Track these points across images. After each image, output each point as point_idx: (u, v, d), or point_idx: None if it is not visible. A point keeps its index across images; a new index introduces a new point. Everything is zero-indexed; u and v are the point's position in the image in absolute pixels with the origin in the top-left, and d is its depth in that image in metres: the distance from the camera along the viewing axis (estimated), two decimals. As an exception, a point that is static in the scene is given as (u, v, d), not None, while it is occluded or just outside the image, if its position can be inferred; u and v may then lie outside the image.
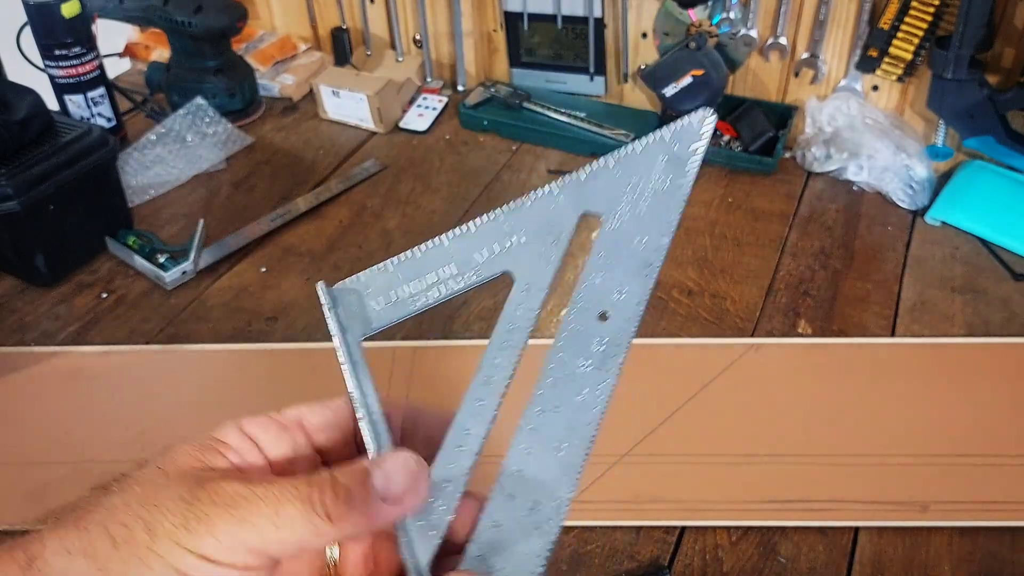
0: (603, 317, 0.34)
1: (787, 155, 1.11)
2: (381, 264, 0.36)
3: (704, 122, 0.33)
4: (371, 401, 0.35)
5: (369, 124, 1.21)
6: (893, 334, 0.86)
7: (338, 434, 0.35)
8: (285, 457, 0.34)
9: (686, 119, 0.34)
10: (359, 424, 0.34)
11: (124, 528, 0.28)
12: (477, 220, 0.36)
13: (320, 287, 0.36)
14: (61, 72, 1.08)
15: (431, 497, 0.33)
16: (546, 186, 0.35)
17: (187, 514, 0.28)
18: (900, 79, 1.05)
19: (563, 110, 1.16)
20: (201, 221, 0.98)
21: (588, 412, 0.34)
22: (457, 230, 0.36)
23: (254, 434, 0.33)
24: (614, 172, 0.35)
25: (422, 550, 0.33)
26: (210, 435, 0.33)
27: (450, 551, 0.33)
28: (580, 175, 0.35)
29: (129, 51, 1.37)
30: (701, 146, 0.34)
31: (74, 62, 1.08)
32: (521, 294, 0.35)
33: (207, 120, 1.17)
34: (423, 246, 0.36)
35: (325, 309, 0.36)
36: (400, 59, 1.27)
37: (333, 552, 0.34)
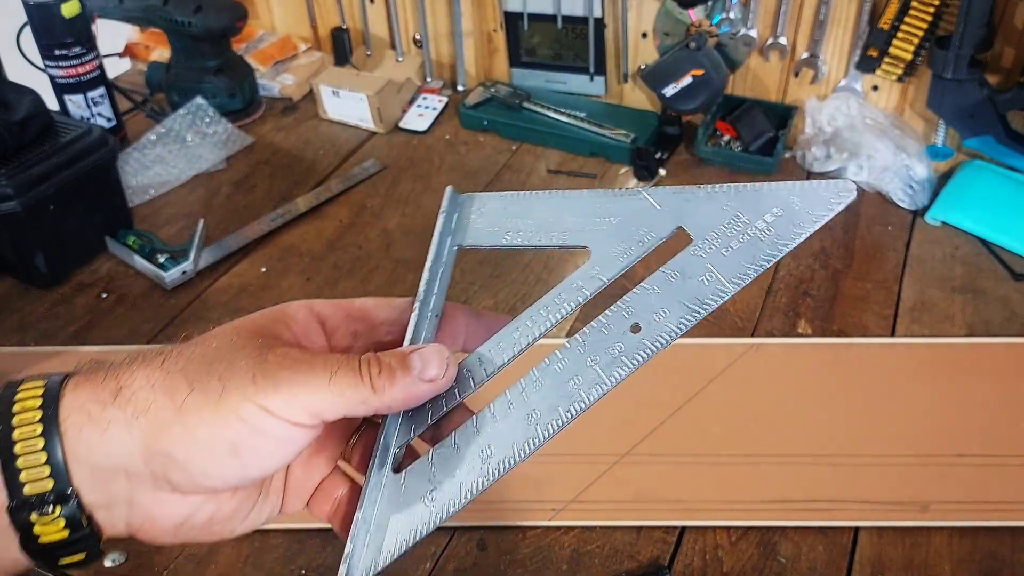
0: (634, 329, 0.35)
1: (787, 155, 1.11)
2: (503, 192, 0.40)
3: (844, 192, 0.33)
4: (434, 301, 0.38)
5: (369, 124, 1.21)
6: (893, 334, 0.86)
7: (398, 332, 0.38)
8: (344, 344, 0.37)
9: (831, 181, 0.33)
10: (412, 315, 0.37)
11: (201, 376, 0.32)
12: (592, 190, 0.38)
13: (449, 190, 0.40)
14: (61, 72, 1.08)
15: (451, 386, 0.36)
16: (662, 187, 0.37)
17: (255, 371, 0.32)
18: (900, 79, 1.05)
19: (563, 110, 1.16)
20: (201, 221, 0.98)
21: (570, 402, 0.34)
22: (571, 192, 0.38)
23: (322, 315, 0.37)
24: (727, 199, 0.35)
25: (398, 439, 0.36)
26: (282, 307, 0.36)
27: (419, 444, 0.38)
28: (698, 190, 0.36)
29: (129, 51, 1.37)
30: (825, 216, 0.33)
31: (74, 62, 1.08)
32: (587, 273, 0.37)
33: (207, 120, 1.17)
34: (540, 192, 0.39)
35: (442, 211, 0.40)
36: (400, 59, 1.27)
37: (351, 443, 0.39)
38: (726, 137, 1.12)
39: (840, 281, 0.93)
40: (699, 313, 0.34)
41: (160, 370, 0.33)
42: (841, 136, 1.06)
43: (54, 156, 0.90)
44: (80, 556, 0.33)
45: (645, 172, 1.09)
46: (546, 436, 0.34)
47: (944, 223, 1.00)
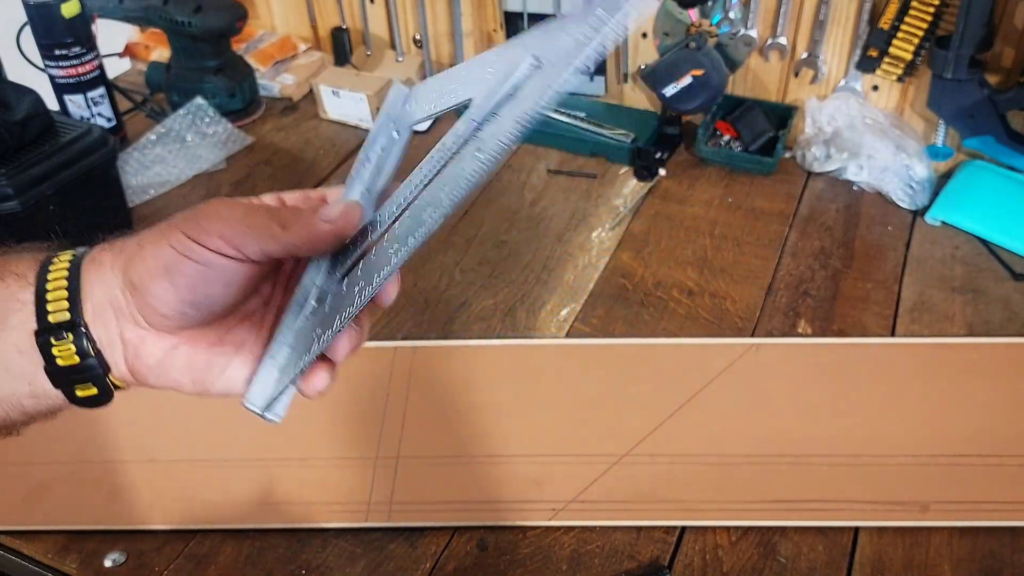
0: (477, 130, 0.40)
1: (787, 155, 1.11)
2: (438, 74, 0.43)
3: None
4: (368, 179, 0.43)
5: (369, 124, 1.21)
6: (893, 334, 0.86)
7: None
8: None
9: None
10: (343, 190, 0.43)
11: (164, 224, 0.39)
12: (489, 52, 0.41)
13: (395, 84, 0.44)
14: (61, 72, 1.08)
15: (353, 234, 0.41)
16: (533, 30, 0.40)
17: (188, 216, 0.39)
18: (900, 79, 1.05)
19: (563, 110, 1.16)
20: (201, 221, 0.98)
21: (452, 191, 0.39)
22: (478, 56, 0.42)
23: (285, 197, 0.43)
24: (572, 22, 0.38)
25: (319, 282, 0.41)
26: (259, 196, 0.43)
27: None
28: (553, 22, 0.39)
29: (129, 51, 1.37)
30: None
31: (74, 62, 1.08)
32: (465, 120, 0.40)
33: (207, 120, 1.17)
34: (462, 64, 0.43)
35: (385, 103, 0.44)
36: (400, 59, 1.27)
37: None
38: (726, 137, 1.12)
39: (840, 281, 0.93)
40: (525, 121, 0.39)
41: (148, 229, 0.40)
42: (841, 136, 1.06)
43: (54, 156, 0.90)
44: (93, 391, 0.41)
45: (645, 172, 1.09)
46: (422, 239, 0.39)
47: (944, 223, 1.00)
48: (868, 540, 0.68)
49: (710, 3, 1.08)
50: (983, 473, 0.72)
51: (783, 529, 0.69)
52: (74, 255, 0.40)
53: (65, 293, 0.39)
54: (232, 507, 0.72)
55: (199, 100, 1.17)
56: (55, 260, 0.40)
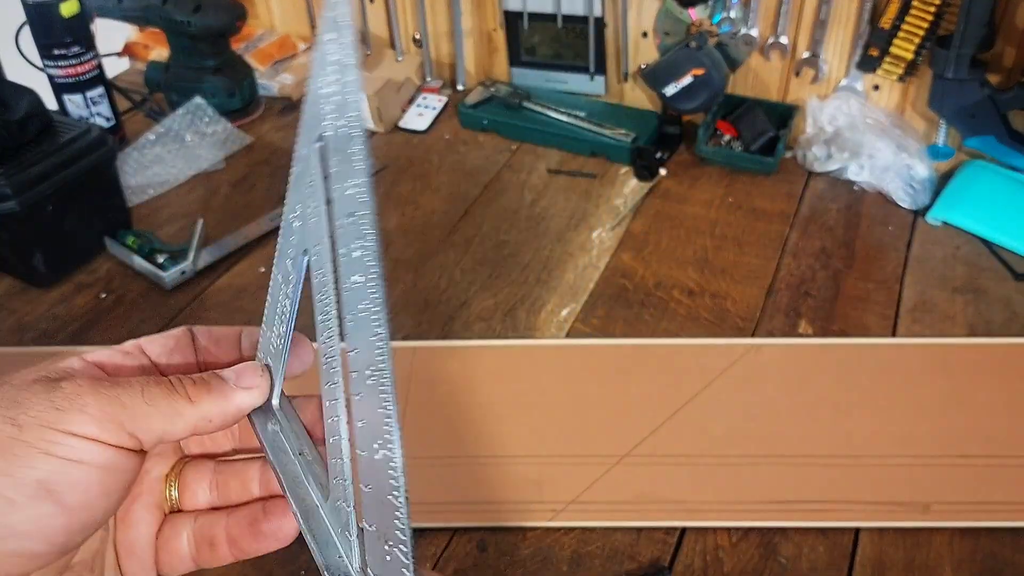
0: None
1: (788, 155, 1.11)
2: None
3: None
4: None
5: (368, 123, 1.21)
6: (894, 334, 0.86)
7: (180, 360, 0.35)
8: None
9: None
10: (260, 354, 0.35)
11: None
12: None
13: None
14: (60, 72, 1.08)
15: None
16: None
17: (52, 398, 0.28)
18: (901, 79, 1.04)
19: (563, 109, 1.16)
20: (200, 221, 0.98)
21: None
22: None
23: (98, 360, 0.33)
24: None
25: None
26: (53, 361, 0.32)
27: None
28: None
29: (128, 50, 1.37)
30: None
31: (73, 62, 1.07)
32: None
33: (206, 120, 1.16)
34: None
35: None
36: (400, 58, 1.27)
37: (172, 492, 0.35)
38: (727, 137, 1.12)
39: (841, 281, 0.93)
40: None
41: None
42: (842, 136, 1.06)
43: (53, 156, 0.90)
44: None
45: (645, 172, 1.09)
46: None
47: (945, 223, 1.00)
48: (869, 541, 0.68)
49: (711, 2, 1.08)
50: (984, 474, 0.71)
51: (784, 530, 0.68)
52: None
53: None
54: (231, 508, 0.72)
55: (198, 100, 1.16)
56: None
